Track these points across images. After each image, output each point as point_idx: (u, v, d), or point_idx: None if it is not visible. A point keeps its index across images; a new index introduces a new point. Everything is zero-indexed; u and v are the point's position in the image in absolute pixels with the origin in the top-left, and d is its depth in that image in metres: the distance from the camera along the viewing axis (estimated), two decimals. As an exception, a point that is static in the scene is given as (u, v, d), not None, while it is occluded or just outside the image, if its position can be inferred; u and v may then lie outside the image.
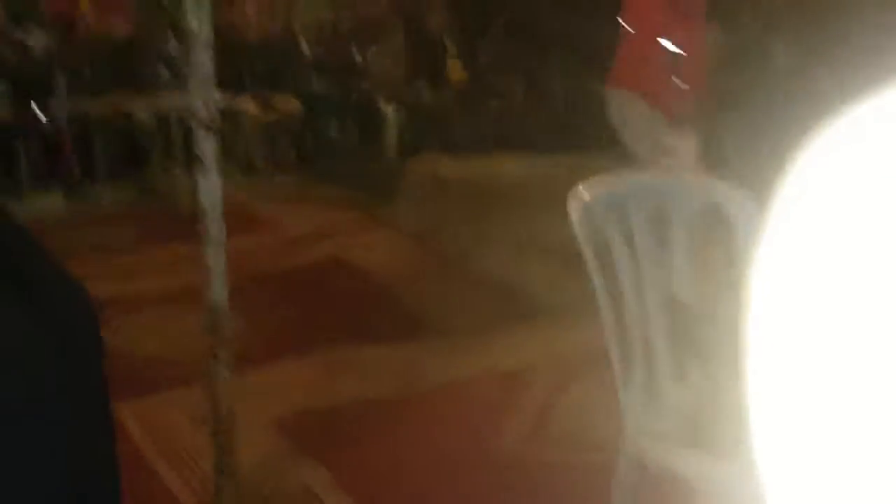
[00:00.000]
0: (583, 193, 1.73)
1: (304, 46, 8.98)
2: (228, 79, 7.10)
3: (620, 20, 3.57)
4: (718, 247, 1.67)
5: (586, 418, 2.74)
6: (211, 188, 2.27)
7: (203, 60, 2.20)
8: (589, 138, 4.67)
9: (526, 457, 2.75)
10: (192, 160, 2.36)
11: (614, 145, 3.58)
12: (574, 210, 1.71)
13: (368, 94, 8.08)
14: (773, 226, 0.40)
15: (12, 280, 1.06)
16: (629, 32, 3.54)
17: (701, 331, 1.64)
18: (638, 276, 1.67)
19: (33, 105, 6.40)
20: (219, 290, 2.32)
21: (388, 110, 7.52)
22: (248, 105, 6.86)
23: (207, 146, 2.26)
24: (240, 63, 7.28)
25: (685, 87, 3.27)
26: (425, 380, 3.32)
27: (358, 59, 8.12)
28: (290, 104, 7.18)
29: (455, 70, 7.72)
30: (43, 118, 6.40)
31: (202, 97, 2.24)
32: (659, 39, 3.32)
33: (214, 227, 2.28)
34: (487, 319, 3.72)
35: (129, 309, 3.86)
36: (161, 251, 4.63)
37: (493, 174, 5.01)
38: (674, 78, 3.29)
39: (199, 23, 2.18)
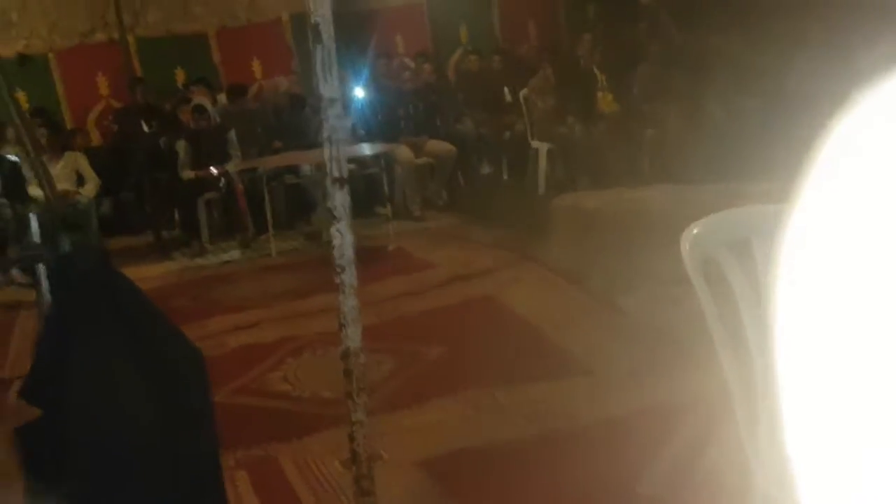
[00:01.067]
0: (695, 225, 1.68)
1: (457, 89, 9.25)
2: (384, 125, 7.48)
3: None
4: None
5: (735, 460, 2.59)
6: (344, 240, 2.39)
7: (333, 122, 2.34)
8: (748, 165, 4.47)
9: (675, 498, 2.64)
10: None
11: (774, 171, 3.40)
12: (684, 240, 1.66)
13: (520, 132, 8.17)
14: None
15: (133, 339, 1.19)
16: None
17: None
18: (755, 311, 1.59)
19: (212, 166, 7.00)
20: (353, 336, 2.42)
21: (541, 147, 7.56)
22: (401, 150, 7.13)
23: (339, 199, 2.39)
24: (395, 109, 7.59)
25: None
26: (575, 420, 3.27)
27: (509, 98, 8.25)
28: (442, 147, 7.38)
29: (606, 102, 7.65)
30: (218, 176, 6.98)
31: (332, 154, 2.37)
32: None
33: (347, 275, 2.40)
34: (638, 358, 3.62)
35: (294, 351, 4.11)
36: (324, 296, 4.87)
37: (646, 208, 4.89)
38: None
39: (327, 87, 2.33)
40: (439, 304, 4.70)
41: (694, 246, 1.62)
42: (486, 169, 8.70)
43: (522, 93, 7.94)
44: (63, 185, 6.90)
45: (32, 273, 1.45)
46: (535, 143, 7.69)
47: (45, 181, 1.45)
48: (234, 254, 6.71)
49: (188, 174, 7.08)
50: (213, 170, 6.99)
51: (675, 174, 5.90)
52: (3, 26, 8.46)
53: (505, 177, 8.54)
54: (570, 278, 4.73)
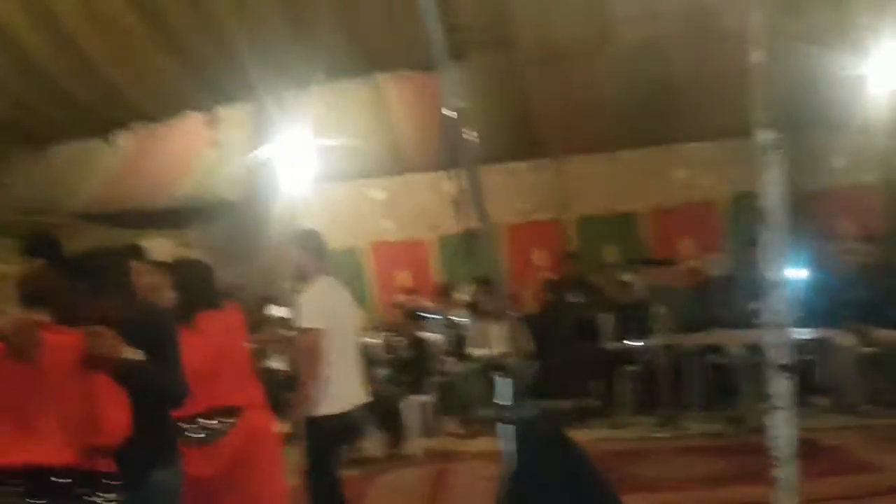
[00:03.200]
0: None
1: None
2: (825, 310, 6.91)
3: None
4: None
5: None
6: (784, 431, 2.23)
7: (777, 304, 2.25)
8: None
9: None
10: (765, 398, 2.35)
11: None
12: None
13: None
14: None
15: (573, 490, 1.22)
16: None
17: None
18: None
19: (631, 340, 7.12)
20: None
21: None
22: (844, 336, 6.49)
23: (781, 387, 2.25)
24: (839, 293, 7.02)
25: None
26: None
27: None
28: (893, 336, 6.56)
29: None
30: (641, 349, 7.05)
31: (776, 339, 2.26)
32: None
33: (787, 470, 2.21)
34: None
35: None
36: (748, 488, 4.54)
37: None
38: None
39: (772, 270, 2.27)
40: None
41: None
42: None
43: None
44: (497, 348, 7.56)
45: (497, 429, 1.59)
46: None
47: (515, 345, 1.60)
48: (652, 429, 6.61)
49: (610, 345, 7.27)
50: (635, 343, 7.09)
51: None
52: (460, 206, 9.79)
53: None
54: None
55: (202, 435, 3.26)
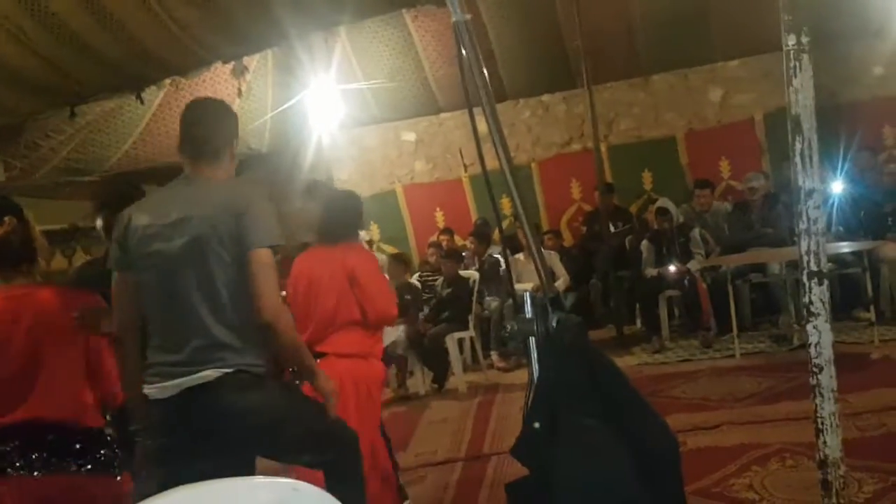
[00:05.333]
0: None
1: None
2: (868, 222, 6.79)
3: None
4: None
5: None
6: (822, 338, 2.22)
7: (811, 213, 2.23)
8: None
9: None
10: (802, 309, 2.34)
11: None
12: None
13: None
14: None
15: (614, 412, 1.24)
16: None
17: None
18: None
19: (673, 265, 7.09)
20: (831, 444, 2.21)
21: None
22: (889, 247, 6.38)
23: (817, 294, 2.24)
24: (882, 205, 6.87)
25: None
26: None
27: None
28: (944, 246, 6.42)
29: None
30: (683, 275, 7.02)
31: (811, 248, 2.24)
32: None
33: (825, 376, 2.21)
34: None
35: (761, 459, 3.87)
36: (792, 404, 4.55)
37: None
38: None
39: (806, 178, 2.23)
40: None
41: None
42: None
43: None
44: (535, 280, 7.58)
45: (525, 347, 1.63)
46: None
47: (542, 270, 1.62)
48: (695, 352, 6.62)
49: (651, 272, 7.25)
50: (673, 268, 7.06)
51: None
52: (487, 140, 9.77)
53: None
54: None
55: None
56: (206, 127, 2.55)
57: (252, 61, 7.38)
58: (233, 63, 6.53)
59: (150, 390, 2.33)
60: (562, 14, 8.32)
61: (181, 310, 2.37)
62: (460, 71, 1.65)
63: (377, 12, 6.09)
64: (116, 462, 2.54)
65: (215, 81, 7.01)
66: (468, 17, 1.58)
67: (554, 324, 1.48)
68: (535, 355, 1.53)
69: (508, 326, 6.93)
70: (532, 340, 1.55)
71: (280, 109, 7.91)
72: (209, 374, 2.30)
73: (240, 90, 7.21)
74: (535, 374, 1.50)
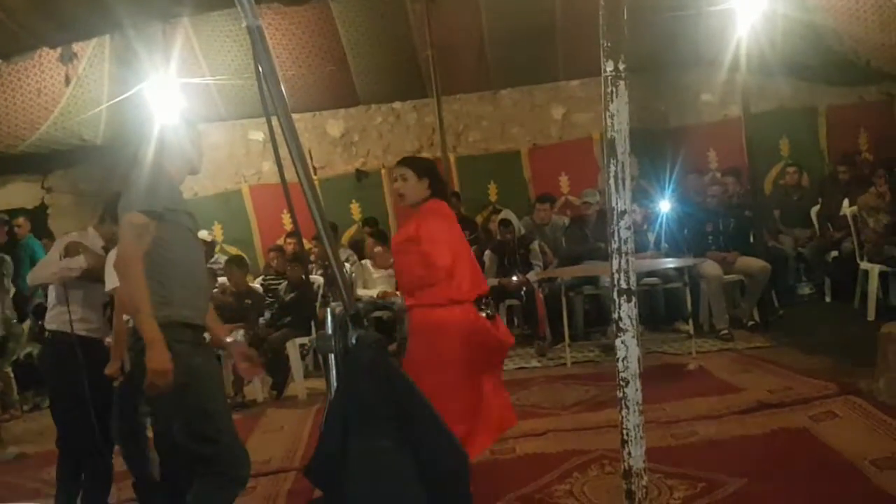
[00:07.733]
0: None
1: (774, 205, 8.74)
2: (691, 240, 7.25)
3: None
4: None
5: None
6: (629, 353, 2.33)
7: (622, 233, 2.33)
8: None
9: None
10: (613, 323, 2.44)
11: None
12: None
13: (848, 251, 7.46)
14: None
15: (407, 431, 1.24)
16: None
17: None
18: None
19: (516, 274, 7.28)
20: (635, 454, 2.31)
21: (871, 269, 6.82)
22: (708, 265, 6.83)
23: (625, 310, 2.34)
24: (703, 224, 7.34)
25: None
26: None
27: (845, 211, 7.60)
28: (755, 264, 6.94)
29: (955, 220, 6.75)
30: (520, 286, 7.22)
31: (622, 266, 2.35)
32: None
33: (631, 389, 2.31)
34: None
35: (581, 466, 4.00)
36: (616, 412, 4.74)
37: None
38: None
39: (619, 199, 2.33)
40: (742, 432, 4.31)
41: None
42: (804, 290, 8.06)
43: (851, 210, 7.31)
44: (383, 287, 7.58)
45: (324, 364, 1.59)
46: (864, 265, 6.99)
47: (342, 285, 1.59)
48: (531, 360, 6.82)
49: (492, 281, 7.41)
50: (514, 278, 7.26)
51: None
52: (345, 146, 9.71)
53: (827, 299, 7.82)
54: (901, 417, 4.12)
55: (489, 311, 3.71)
56: None
57: (87, 49, 6.95)
58: (59, 49, 6.13)
59: None
60: (414, 24, 8.39)
61: None
62: (256, 79, 1.60)
63: (219, 6, 5.90)
64: None
65: (42, 68, 6.55)
66: (258, 23, 1.54)
67: (353, 341, 1.46)
68: (333, 373, 1.50)
69: (308, 342, 6.92)
70: (332, 357, 1.53)
71: (115, 101, 7.48)
72: None
73: (67, 77, 6.75)
74: (332, 394, 1.47)
